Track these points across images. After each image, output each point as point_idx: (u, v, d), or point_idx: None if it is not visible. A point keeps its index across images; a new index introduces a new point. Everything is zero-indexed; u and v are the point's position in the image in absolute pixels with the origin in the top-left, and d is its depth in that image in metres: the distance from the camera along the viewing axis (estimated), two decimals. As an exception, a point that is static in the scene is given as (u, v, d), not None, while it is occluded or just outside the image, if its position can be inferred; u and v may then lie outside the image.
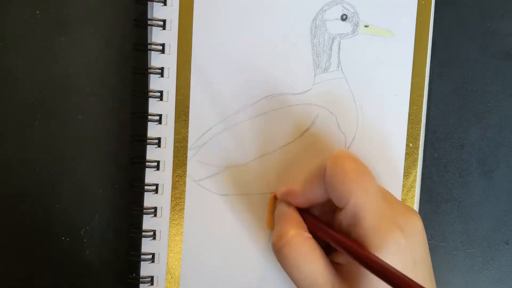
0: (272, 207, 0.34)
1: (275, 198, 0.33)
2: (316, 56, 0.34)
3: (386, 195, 0.29)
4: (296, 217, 0.29)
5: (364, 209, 0.26)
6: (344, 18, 0.34)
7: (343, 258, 0.28)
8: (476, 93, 0.36)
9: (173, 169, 0.33)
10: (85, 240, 0.35)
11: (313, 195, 0.28)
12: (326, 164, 0.27)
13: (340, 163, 0.27)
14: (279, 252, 0.27)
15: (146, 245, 0.33)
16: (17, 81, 0.34)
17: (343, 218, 0.27)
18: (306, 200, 0.29)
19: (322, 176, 0.27)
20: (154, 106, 0.33)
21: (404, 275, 0.23)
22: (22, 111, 0.34)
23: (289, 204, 0.30)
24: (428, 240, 0.36)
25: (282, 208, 0.30)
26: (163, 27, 0.33)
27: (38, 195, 0.35)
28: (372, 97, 0.34)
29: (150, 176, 0.33)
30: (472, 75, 0.36)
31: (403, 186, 0.34)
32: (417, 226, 0.27)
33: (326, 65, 0.34)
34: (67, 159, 0.35)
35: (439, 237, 0.36)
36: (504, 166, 0.36)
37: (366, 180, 0.27)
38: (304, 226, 0.28)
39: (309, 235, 0.28)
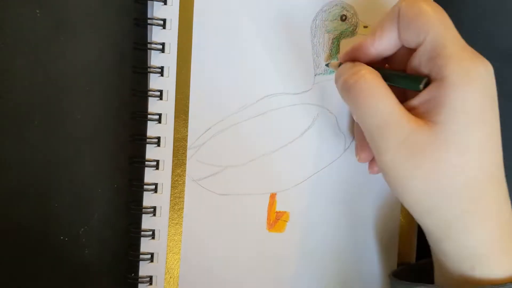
0: (272, 207, 0.34)
1: (274, 197, 0.33)
2: (316, 56, 0.34)
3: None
4: (365, 64, 0.28)
5: (445, 38, 0.25)
6: (343, 18, 0.34)
7: (420, 99, 0.26)
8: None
9: (172, 168, 0.33)
10: (83, 239, 0.35)
11: (385, 42, 0.27)
12: (399, 4, 0.26)
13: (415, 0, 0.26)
14: (352, 87, 0.27)
15: (145, 245, 0.33)
16: (16, 80, 0.34)
17: (421, 55, 0.26)
18: (376, 50, 0.28)
19: (395, 16, 0.26)
20: (153, 105, 0.33)
21: None
22: (21, 110, 0.34)
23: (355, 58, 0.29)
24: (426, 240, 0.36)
25: (348, 65, 0.29)
26: (163, 26, 0.33)
27: (37, 194, 0.34)
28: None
29: (149, 175, 0.33)
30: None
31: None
32: (492, 72, 0.27)
33: (326, 65, 0.34)
34: (66, 159, 0.35)
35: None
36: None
37: (444, 14, 0.26)
38: (376, 73, 0.27)
39: (380, 75, 0.27)
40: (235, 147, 0.34)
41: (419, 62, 0.26)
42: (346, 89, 0.27)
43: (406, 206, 0.27)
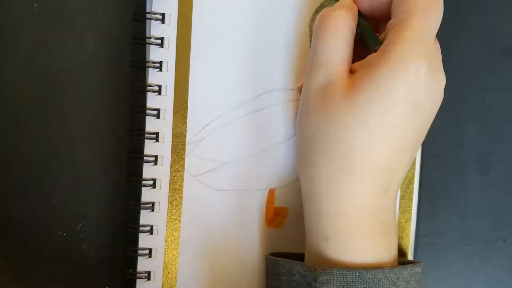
0: (271, 203, 0.34)
1: (273, 193, 0.33)
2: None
3: (436, 42, 0.28)
4: (352, 7, 0.29)
5: (414, 19, 0.26)
6: (343, 14, 0.34)
7: (365, 60, 0.28)
8: (474, 90, 0.36)
9: (171, 164, 0.33)
10: (81, 235, 0.35)
11: (378, 3, 0.29)
12: None
13: None
14: (321, 19, 0.28)
15: (143, 240, 0.33)
16: (14, 75, 0.34)
17: (392, 21, 0.27)
18: (369, 5, 0.29)
19: None
20: (152, 100, 0.33)
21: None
22: (18, 105, 0.34)
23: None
24: (425, 236, 0.36)
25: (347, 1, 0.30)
26: (162, 20, 0.33)
27: (35, 189, 0.34)
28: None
29: (148, 170, 0.33)
30: (470, 72, 0.36)
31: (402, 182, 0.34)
32: (441, 81, 0.28)
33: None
34: (64, 154, 0.34)
35: (436, 234, 0.36)
36: (502, 163, 0.36)
37: (432, 10, 0.27)
38: (355, 19, 0.29)
39: (354, 28, 0.28)
40: (234, 143, 0.34)
41: (387, 27, 0.28)
42: (318, 19, 0.28)
43: (297, 141, 0.30)
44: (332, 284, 0.26)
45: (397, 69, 0.25)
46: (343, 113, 0.26)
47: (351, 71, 0.28)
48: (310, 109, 0.28)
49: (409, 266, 0.28)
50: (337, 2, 0.30)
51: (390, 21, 0.27)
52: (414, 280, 0.28)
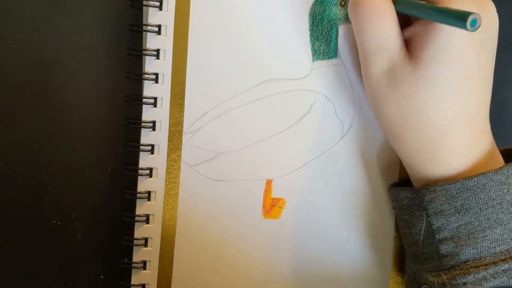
0: (268, 194, 0.34)
1: (270, 184, 0.33)
2: (315, 41, 0.33)
3: None
4: None
5: None
6: (343, 3, 0.33)
7: (412, 31, 0.28)
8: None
9: (167, 153, 0.33)
10: (76, 224, 0.34)
11: None
12: None
13: None
14: (359, 4, 0.28)
15: (139, 230, 0.33)
16: (8, 62, 0.33)
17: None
18: None
19: None
20: (149, 89, 0.33)
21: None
22: (13, 92, 0.34)
23: None
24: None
25: None
26: (160, 8, 0.32)
27: (29, 177, 0.34)
28: (370, 84, 0.34)
29: (144, 160, 0.33)
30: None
31: (400, 173, 0.34)
32: (493, 15, 0.29)
33: (325, 51, 0.34)
34: (59, 142, 0.34)
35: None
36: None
37: None
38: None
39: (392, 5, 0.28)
40: (232, 133, 0.33)
41: None
42: (353, 9, 0.28)
43: (380, 127, 0.31)
44: (438, 200, 0.28)
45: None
46: (420, 88, 0.27)
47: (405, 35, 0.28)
48: (383, 94, 0.28)
49: None
50: None
51: None
52: None
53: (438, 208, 0.28)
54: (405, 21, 0.29)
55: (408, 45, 0.28)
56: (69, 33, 0.34)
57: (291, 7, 0.33)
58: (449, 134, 0.28)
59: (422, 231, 0.29)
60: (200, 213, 0.33)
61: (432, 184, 0.28)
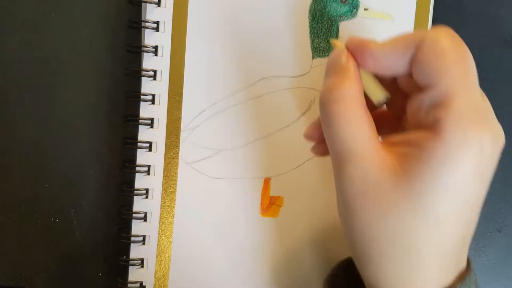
0: (266, 192, 0.34)
1: (268, 182, 0.33)
2: (315, 38, 0.33)
3: (483, 95, 0.24)
4: (355, 73, 0.25)
5: (457, 92, 0.22)
6: (344, 0, 0.33)
7: (402, 137, 0.24)
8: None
9: (165, 150, 0.33)
10: (74, 221, 0.34)
11: (389, 62, 0.25)
12: (425, 35, 0.23)
13: (444, 37, 0.23)
14: (325, 105, 0.24)
15: (137, 227, 0.33)
16: (6, 58, 0.33)
17: (426, 98, 0.23)
18: (375, 64, 0.25)
19: (414, 44, 0.23)
20: (147, 86, 0.32)
21: None
22: (10, 89, 0.34)
23: (348, 57, 0.25)
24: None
25: (342, 58, 0.25)
26: (158, 4, 0.32)
27: (27, 175, 0.34)
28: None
29: (142, 157, 0.33)
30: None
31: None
32: (501, 144, 0.24)
33: (325, 48, 0.33)
34: (57, 139, 0.34)
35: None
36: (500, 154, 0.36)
37: (469, 65, 0.23)
38: (360, 88, 0.25)
39: (363, 98, 0.25)
40: (230, 130, 0.33)
41: (420, 102, 0.23)
42: (321, 105, 0.25)
43: (348, 243, 0.25)
44: None
45: (458, 150, 0.22)
46: (400, 206, 0.23)
47: (386, 144, 0.24)
48: (355, 207, 0.24)
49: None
50: (332, 67, 0.26)
51: (422, 96, 0.23)
52: None
53: None
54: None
55: (396, 153, 0.24)
56: (67, 30, 0.34)
57: (291, 4, 0.33)
58: (423, 266, 0.23)
59: None
60: (197, 211, 0.33)
61: None
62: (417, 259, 0.23)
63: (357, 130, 0.24)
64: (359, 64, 0.25)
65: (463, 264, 0.25)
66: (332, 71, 0.25)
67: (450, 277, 0.24)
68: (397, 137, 0.24)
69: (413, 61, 0.24)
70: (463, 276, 0.24)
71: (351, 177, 0.24)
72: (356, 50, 0.25)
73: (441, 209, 0.22)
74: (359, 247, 0.24)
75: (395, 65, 0.25)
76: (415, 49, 0.24)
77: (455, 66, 0.23)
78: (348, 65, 0.25)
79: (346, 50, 0.26)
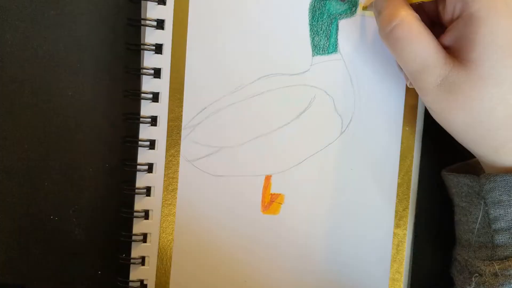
0: (267, 190, 0.34)
1: (269, 179, 0.33)
2: (315, 36, 0.33)
3: None
4: (405, 3, 0.28)
5: (485, 15, 0.26)
6: (343, -2, 0.33)
7: (451, 37, 0.28)
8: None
9: (166, 148, 0.33)
10: (74, 219, 0.34)
11: None
12: None
13: None
14: (390, 33, 0.28)
15: (138, 225, 0.33)
16: (5, 55, 0.33)
17: (460, 23, 0.27)
18: None
19: None
20: (147, 84, 0.32)
21: None
22: (9, 86, 0.33)
23: None
24: (422, 225, 0.36)
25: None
26: (159, 2, 0.32)
27: (26, 172, 0.34)
28: (370, 79, 0.34)
29: (143, 155, 0.33)
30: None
31: (400, 170, 0.34)
32: None
33: (324, 46, 0.33)
34: (56, 136, 0.34)
35: (431, 221, 0.36)
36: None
37: None
38: (412, 9, 0.28)
39: (418, 16, 0.28)
40: (231, 128, 0.33)
41: None
42: (384, 35, 0.28)
43: (453, 135, 0.30)
44: (497, 191, 0.28)
45: (496, 14, 0.25)
46: (481, 89, 0.27)
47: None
48: (444, 105, 0.28)
49: None
50: (379, 3, 0.29)
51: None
52: None
53: (496, 198, 0.29)
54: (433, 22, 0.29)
55: (452, 50, 0.28)
56: (67, 28, 0.33)
57: (291, 2, 0.33)
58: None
59: (479, 220, 0.30)
60: (199, 209, 0.33)
61: (492, 174, 0.29)
62: (508, 124, 0.27)
63: (426, 45, 0.27)
64: None
65: None
66: (383, 6, 0.29)
67: None
68: (443, 40, 0.28)
69: None
70: None
71: (431, 84, 0.28)
72: None
73: (507, 72, 0.26)
74: (462, 133, 0.29)
75: None
76: None
77: None
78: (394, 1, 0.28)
79: None
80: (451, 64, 0.27)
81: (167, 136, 0.33)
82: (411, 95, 0.34)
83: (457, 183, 0.32)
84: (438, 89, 0.28)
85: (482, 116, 0.27)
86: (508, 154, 0.28)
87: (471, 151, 0.30)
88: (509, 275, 0.28)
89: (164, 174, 0.33)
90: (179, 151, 0.33)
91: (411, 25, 0.27)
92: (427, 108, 0.30)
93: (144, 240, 0.33)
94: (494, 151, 0.29)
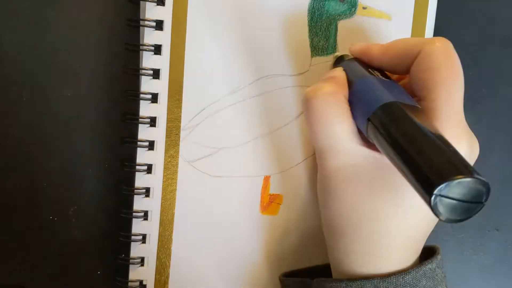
0: (266, 190, 0.34)
1: (268, 180, 0.33)
2: (314, 37, 0.33)
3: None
4: (343, 82, 0.27)
5: (443, 110, 0.24)
6: (342, -1, 0.33)
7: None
8: (471, 79, 0.36)
9: (165, 149, 0.33)
10: (73, 220, 0.34)
11: (390, 66, 0.27)
12: (421, 46, 0.25)
13: (439, 52, 0.25)
14: (308, 101, 0.26)
15: (137, 226, 0.33)
16: (4, 56, 0.33)
17: (422, 104, 0.25)
18: (380, 65, 0.27)
19: (411, 54, 0.25)
20: (146, 84, 0.32)
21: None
22: (8, 86, 0.33)
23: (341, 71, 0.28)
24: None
25: (336, 71, 0.28)
26: (157, 2, 0.32)
27: (25, 173, 0.34)
28: (369, 81, 0.34)
29: (142, 156, 0.33)
30: (467, 61, 0.36)
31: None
32: (475, 157, 0.27)
33: (323, 47, 0.33)
34: (55, 137, 0.34)
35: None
36: (498, 153, 0.36)
37: (458, 82, 0.25)
38: (346, 94, 0.26)
39: (346, 101, 0.26)
40: (230, 129, 0.33)
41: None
42: (304, 102, 0.27)
43: (323, 217, 0.29)
44: None
45: None
46: (378, 195, 0.25)
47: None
48: (335, 190, 0.27)
49: (413, 270, 0.26)
50: (327, 74, 0.28)
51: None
52: (425, 278, 0.26)
53: None
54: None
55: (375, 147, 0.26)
56: (66, 27, 0.33)
57: (290, 3, 0.33)
58: (391, 247, 0.26)
59: None
60: (198, 209, 0.33)
61: (323, 279, 0.28)
62: (385, 240, 0.26)
63: (338, 127, 0.26)
64: (365, 61, 0.28)
65: (418, 254, 0.28)
66: (324, 77, 0.28)
67: (410, 261, 0.27)
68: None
69: (410, 70, 0.26)
70: (427, 260, 0.27)
71: (336, 168, 0.26)
72: (361, 55, 0.28)
73: (414, 202, 0.25)
74: (335, 221, 0.27)
75: (396, 69, 0.27)
76: (412, 59, 0.25)
77: (445, 83, 0.25)
78: (336, 73, 0.28)
79: (339, 68, 0.28)
80: (361, 153, 0.26)
81: (166, 137, 0.33)
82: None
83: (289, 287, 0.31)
84: (338, 171, 0.26)
85: (367, 217, 0.26)
86: (347, 264, 0.27)
87: (329, 246, 0.29)
88: None
89: (163, 175, 0.33)
90: (178, 152, 0.33)
91: (331, 102, 0.26)
92: (317, 185, 0.29)
93: (143, 240, 0.33)
94: (340, 257, 0.28)
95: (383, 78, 0.27)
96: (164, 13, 0.32)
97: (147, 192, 0.33)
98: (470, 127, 0.35)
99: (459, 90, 0.25)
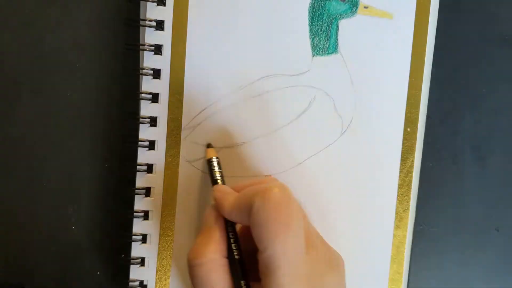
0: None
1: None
2: (315, 36, 0.33)
3: (311, 240, 0.28)
4: (217, 237, 0.28)
5: (279, 263, 0.25)
6: (343, -2, 0.33)
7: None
8: (471, 79, 0.36)
9: (166, 149, 0.33)
10: (73, 219, 0.34)
11: (240, 221, 0.28)
12: (252, 200, 0.26)
13: (269, 204, 0.25)
14: (191, 269, 0.27)
15: (138, 226, 0.33)
16: (4, 54, 0.33)
17: (260, 261, 0.26)
18: (231, 219, 0.28)
19: (247, 209, 0.26)
20: (147, 84, 0.32)
21: None
22: (8, 85, 0.33)
23: (217, 216, 0.29)
24: (420, 225, 0.36)
25: (209, 219, 0.29)
26: (158, 2, 0.32)
27: (25, 172, 0.34)
28: (370, 80, 0.34)
29: (143, 155, 0.33)
30: (467, 60, 0.36)
31: (400, 171, 0.34)
32: (336, 277, 0.28)
33: (324, 46, 0.33)
34: (55, 136, 0.34)
35: (431, 222, 0.36)
36: (498, 152, 0.36)
37: (292, 232, 0.25)
38: (224, 248, 0.28)
39: (225, 262, 0.27)
40: (230, 129, 0.33)
41: (259, 263, 0.26)
42: (188, 266, 0.27)
43: None
44: None
45: None
46: None
47: None
48: None
49: None
50: (203, 225, 0.29)
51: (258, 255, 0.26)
52: None
53: None
54: None
55: None
56: (67, 27, 0.33)
57: (291, 2, 0.33)
58: None
59: None
60: (198, 209, 0.33)
61: None
62: None
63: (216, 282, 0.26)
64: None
65: None
66: (203, 228, 0.29)
67: None
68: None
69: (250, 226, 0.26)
70: None
71: None
72: (217, 205, 0.29)
73: None
74: None
75: (244, 223, 0.27)
76: (248, 213, 0.26)
77: (276, 239, 0.25)
78: (215, 225, 0.28)
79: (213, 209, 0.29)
80: None
81: (167, 137, 0.33)
82: (413, 95, 0.34)
83: None
84: None
85: None
86: None
87: None
88: None
89: (164, 175, 0.33)
90: (179, 151, 0.33)
91: (211, 272, 0.27)
92: None
93: (144, 240, 0.33)
94: None
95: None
96: (165, 13, 0.32)
97: (147, 192, 0.33)
98: (470, 126, 0.36)
99: (292, 241, 0.25)
